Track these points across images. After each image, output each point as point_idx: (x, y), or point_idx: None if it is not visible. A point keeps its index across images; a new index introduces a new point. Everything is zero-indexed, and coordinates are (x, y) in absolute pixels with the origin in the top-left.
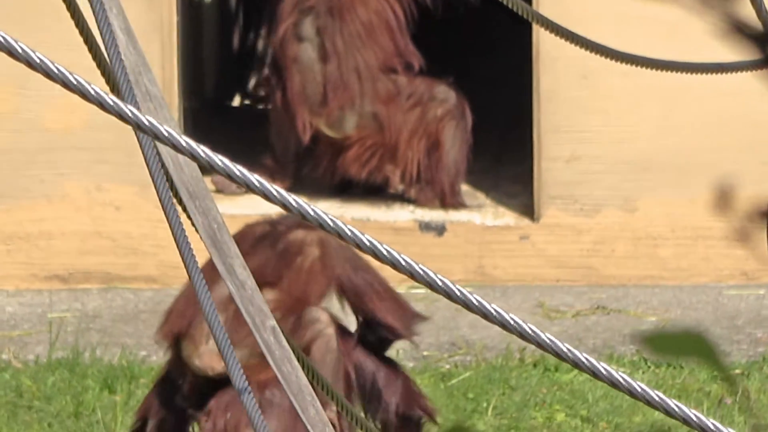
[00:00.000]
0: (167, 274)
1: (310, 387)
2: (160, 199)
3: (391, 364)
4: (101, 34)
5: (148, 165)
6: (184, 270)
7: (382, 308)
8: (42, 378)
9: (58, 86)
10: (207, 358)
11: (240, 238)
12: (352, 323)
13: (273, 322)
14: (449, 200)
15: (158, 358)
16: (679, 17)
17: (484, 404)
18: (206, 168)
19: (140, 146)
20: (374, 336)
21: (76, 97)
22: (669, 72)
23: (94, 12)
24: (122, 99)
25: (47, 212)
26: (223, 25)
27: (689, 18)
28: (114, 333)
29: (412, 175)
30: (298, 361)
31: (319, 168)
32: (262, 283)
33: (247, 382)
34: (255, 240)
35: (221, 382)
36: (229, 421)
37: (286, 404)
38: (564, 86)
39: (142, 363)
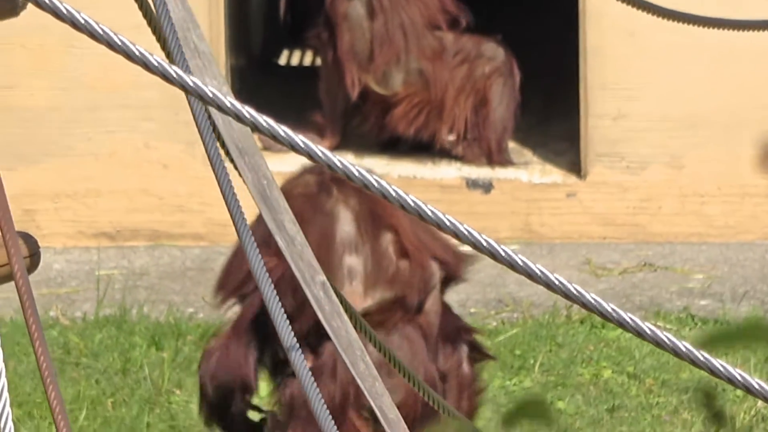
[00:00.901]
0: (214, 231)
1: (359, 341)
2: (208, 156)
3: (441, 300)
4: None
5: (196, 122)
6: (232, 227)
7: (434, 246)
8: (89, 335)
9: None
10: (351, 298)
11: (304, 187)
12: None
13: (323, 277)
14: (496, 157)
15: (205, 315)
16: None
17: (531, 361)
18: (251, 129)
19: (189, 103)
20: None
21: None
22: (716, 29)
23: None
24: (170, 55)
25: (95, 170)
26: None
27: None
28: (161, 290)
29: (460, 132)
30: (348, 315)
31: (367, 124)
32: (378, 221)
33: (295, 339)
34: (318, 186)
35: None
36: (343, 380)
37: (421, 345)
38: (611, 43)
39: (189, 320)
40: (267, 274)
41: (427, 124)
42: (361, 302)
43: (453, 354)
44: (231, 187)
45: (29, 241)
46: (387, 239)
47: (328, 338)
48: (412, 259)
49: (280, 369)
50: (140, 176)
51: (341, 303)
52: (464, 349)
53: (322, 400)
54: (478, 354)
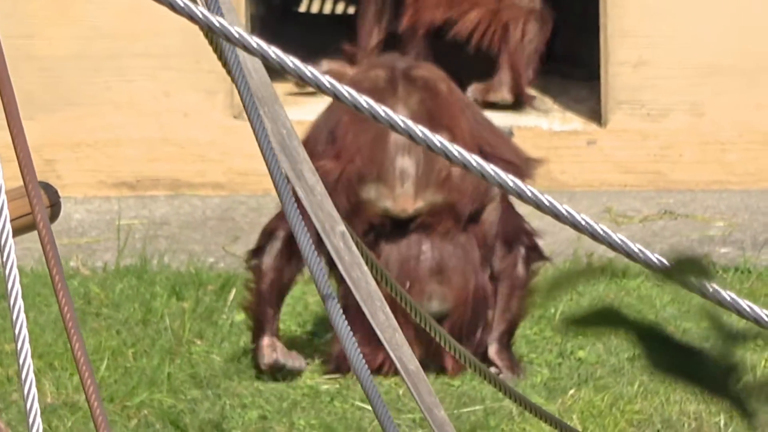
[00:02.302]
0: (234, 180)
1: (379, 292)
2: (244, 104)
3: (503, 197)
4: None
5: (229, 66)
6: (253, 177)
7: (501, 147)
8: (110, 285)
9: None
10: (402, 200)
11: (371, 84)
12: None
13: (342, 228)
14: (519, 90)
15: (226, 265)
16: None
17: (552, 310)
18: (277, 69)
19: (218, 49)
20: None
21: (142, 3)
22: None
23: None
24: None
25: (114, 119)
26: None
27: None
28: (182, 240)
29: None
30: (368, 265)
31: (404, 20)
32: (433, 122)
33: (331, 288)
34: (389, 81)
35: (400, 225)
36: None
37: (457, 268)
38: None
39: (209, 270)
40: (305, 228)
41: (460, 14)
42: (412, 204)
43: (509, 255)
44: (266, 136)
45: (50, 191)
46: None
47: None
48: (440, 163)
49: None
50: (160, 125)
51: (361, 253)
52: (521, 251)
53: (360, 353)
54: (535, 256)
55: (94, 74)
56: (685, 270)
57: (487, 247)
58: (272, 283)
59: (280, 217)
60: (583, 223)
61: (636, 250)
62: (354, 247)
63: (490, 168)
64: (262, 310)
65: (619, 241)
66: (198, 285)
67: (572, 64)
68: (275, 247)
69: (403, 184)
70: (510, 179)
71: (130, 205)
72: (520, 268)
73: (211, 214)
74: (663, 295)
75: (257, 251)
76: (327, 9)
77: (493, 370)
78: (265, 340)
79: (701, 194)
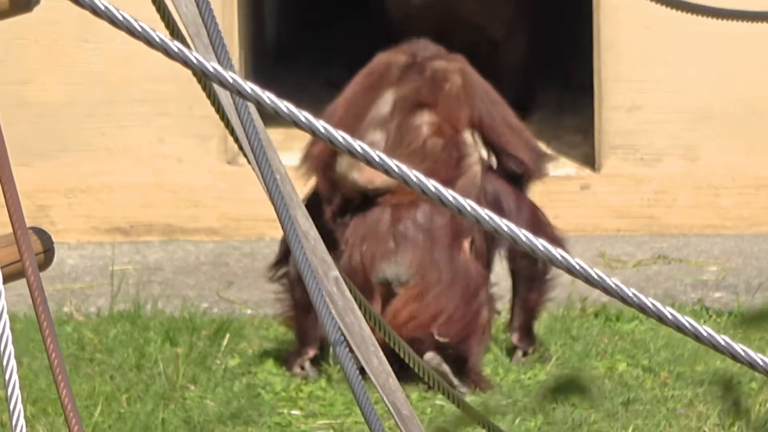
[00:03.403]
0: (228, 226)
1: (373, 337)
2: (251, 148)
3: (521, 194)
4: None
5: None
6: (246, 222)
7: (515, 143)
8: (104, 330)
9: (119, 38)
10: (367, 171)
11: (384, 68)
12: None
13: (336, 273)
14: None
15: (219, 310)
16: None
17: (547, 354)
18: (271, 114)
19: (213, 97)
20: (504, 169)
21: (137, 49)
22: (731, 21)
23: None
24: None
25: (108, 164)
26: None
27: None
28: (175, 285)
29: None
30: (361, 310)
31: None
32: (418, 104)
33: (341, 335)
34: (402, 68)
35: (372, 200)
36: (365, 254)
37: (420, 239)
38: (625, 35)
39: (203, 315)
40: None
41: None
42: (376, 177)
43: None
44: (275, 180)
45: (43, 236)
46: (422, 118)
47: (363, 210)
48: (445, 138)
49: None
50: (154, 171)
51: (354, 298)
52: None
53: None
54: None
55: (88, 120)
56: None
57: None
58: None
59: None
60: (578, 267)
61: (630, 294)
62: (347, 292)
63: (484, 212)
64: (301, 316)
65: (614, 286)
66: (192, 330)
67: (565, 109)
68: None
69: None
70: (504, 223)
71: (123, 250)
72: (539, 264)
73: (205, 260)
74: (657, 339)
75: (279, 262)
76: (320, 54)
77: (518, 354)
78: (308, 351)
79: (695, 239)
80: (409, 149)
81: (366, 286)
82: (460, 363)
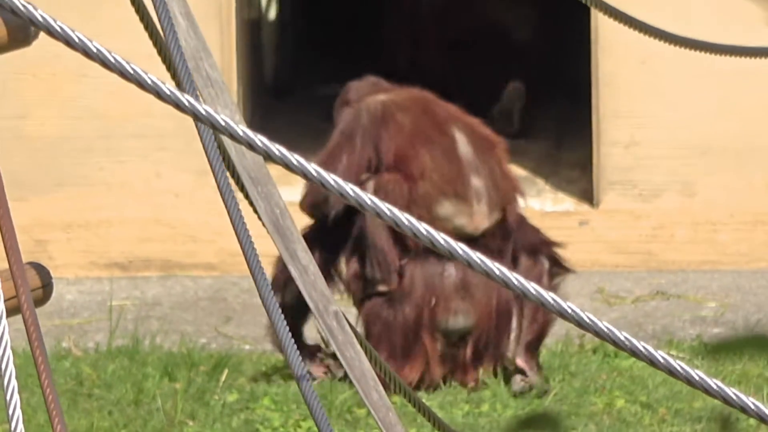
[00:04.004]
0: (226, 261)
1: (372, 371)
2: (218, 185)
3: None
4: (159, 19)
5: (206, 151)
6: (243, 257)
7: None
8: (102, 366)
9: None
10: (479, 218)
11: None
12: None
13: (335, 307)
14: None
15: (218, 345)
16: (738, 1)
17: (545, 390)
18: (264, 157)
19: (198, 132)
20: None
21: (133, 84)
22: (728, 56)
23: None
24: (180, 85)
25: (106, 200)
26: (283, 9)
27: (748, 2)
28: (173, 320)
29: None
30: (361, 345)
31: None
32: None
33: (306, 369)
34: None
35: (468, 242)
36: (427, 302)
37: (480, 284)
38: (623, 71)
39: (201, 350)
40: (280, 312)
41: None
42: (483, 222)
43: (534, 268)
44: (241, 218)
45: (41, 271)
46: (493, 161)
47: (410, 263)
48: (508, 181)
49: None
50: (152, 206)
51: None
52: (545, 263)
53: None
54: (558, 268)
55: (86, 155)
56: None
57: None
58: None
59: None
60: (570, 310)
61: (622, 338)
62: (347, 327)
63: (476, 256)
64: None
65: (605, 329)
66: (190, 365)
67: (563, 145)
68: None
69: (479, 202)
70: (496, 266)
71: (121, 285)
72: (545, 281)
73: (203, 295)
74: (655, 375)
75: (276, 283)
76: (319, 90)
77: (521, 377)
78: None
79: (693, 274)
80: (501, 196)
81: (416, 336)
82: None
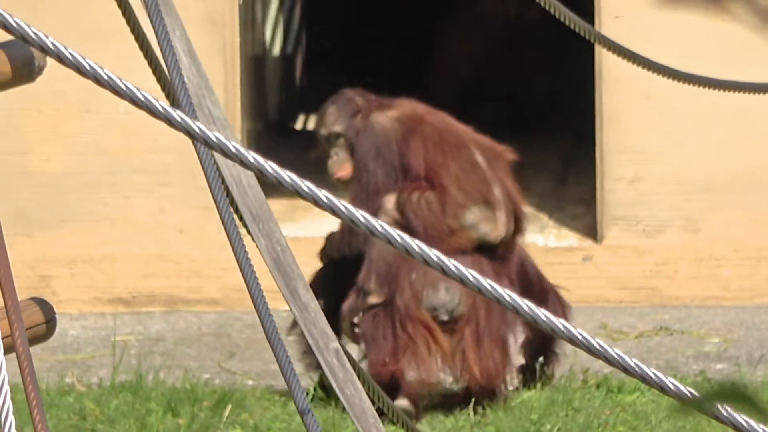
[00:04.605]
0: (230, 296)
1: (373, 409)
2: (222, 221)
3: (521, 249)
4: (164, 56)
5: (210, 186)
6: (247, 293)
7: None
8: (105, 401)
9: (121, 108)
10: (501, 226)
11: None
12: None
13: (336, 344)
14: None
15: (221, 380)
16: (740, 38)
17: (548, 426)
18: (274, 184)
19: (203, 168)
20: None
21: (139, 120)
22: (731, 92)
23: (156, 35)
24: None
25: (111, 235)
26: (286, 46)
27: (750, 39)
28: (177, 356)
29: None
30: (361, 382)
31: None
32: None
33: (308, 403)
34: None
35: (488, 248)
36: (414, 283)
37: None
38: (627, 107)
39: (205, 386)
40: (280, 337)
41: None
42: (503, 230)
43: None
44: (245, 252)
45: (45, 307)
46: (502, 172)
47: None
48: (515, 192)
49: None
50: (156, 241)
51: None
52: (549, 305)
53: None
54: (560, 307)
55: (90, 190)
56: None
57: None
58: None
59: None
60: (580, 337)
61: (632, 364)
62: (347, 364)
63: (487, 282)
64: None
65: (616, 356)
66: (193, 401)
67: (567, 180)
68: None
69: (500, 210)
70: (506, 293)
71: (125, 321)
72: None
73: (207, 330)
74: (658, 411)
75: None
76: None
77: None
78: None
79: (697, 310)
80: (515, 205)
81: (411, 320)
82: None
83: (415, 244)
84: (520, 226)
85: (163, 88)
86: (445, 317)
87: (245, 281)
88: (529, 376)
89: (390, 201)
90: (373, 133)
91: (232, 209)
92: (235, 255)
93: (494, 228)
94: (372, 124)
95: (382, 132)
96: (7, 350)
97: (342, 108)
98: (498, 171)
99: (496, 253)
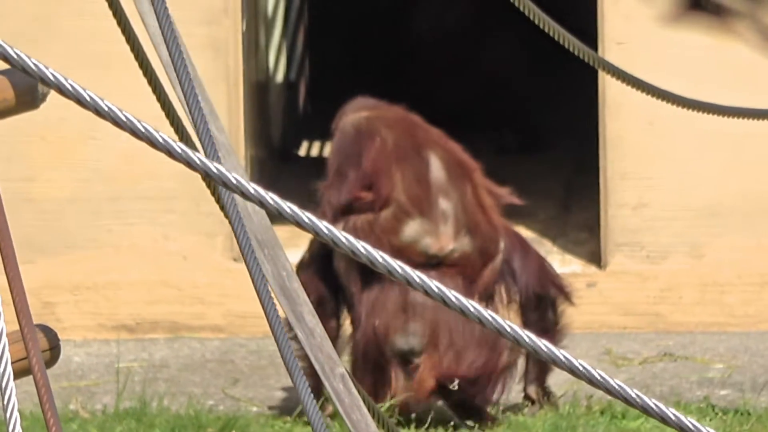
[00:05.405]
0: (234, 323)
1: None
2: (239, 245)
3: (526, 245)
4: (180, 82)
5: (226, 213)
6: (252, 319)
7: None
8: (109, 428)
9: (124, 135)
10: (445, 238)
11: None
12: None
13: (342, 369)
14: None
15: (225, 407)
16: (746, 62)
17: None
18: (275, 215)
19: (213, 194)
20: None
21: (142, 146)
22: (735, 118)
23: (162, 62)
24: (192, 146)
25: (114, 262)
26: (289, 73)
27: (756, 63)
28: (181, 382)
29: None
30: (367, 408)
31: None
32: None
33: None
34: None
35: (437, 264)
36: (378, 327)
37: (430, 305)
38: (630, 133)
39: (209, 412)
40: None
41: None
42: (449, 244)
43: (538, 306)
44: (263, 278)
45: (49, 334)
46: (467, 186)
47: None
48: (487, 215)
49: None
50: (160, 268)
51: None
52: (550, 300)
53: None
54: (561, 298)
55: (94, 217)
56: None
57: (490, 295)
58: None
59: (306, 281)
60: (581, 368)
61: (633, 395)
62: (353, 389)
63: (487, 313)
64: None
65: (617, 387)
66: (197, 428)
67: (571, 206)
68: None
69: (446, 223)
70: (507, 324)
71: (129, 348)
72: (549, 313)
73: (211, 357)
74: None
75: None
76: (327, 152)
77: (532, 406)
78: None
79: (701, 336)
80: (474, 222)
81: (381, 356)
82: (472, 406)
83: (379, 255)
84: (484, 242)
85: (168, 116)
86: (409, 359)
87: (263, 307)
88: (530, 401)
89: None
90: (338, 137)
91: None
92: (253, 281)
93: (435, 241)
94: (340, 128)
95: (346, 132)
96: (17, 375)
97: (345, 111)
98: (460, 185)
99: (453, 269)
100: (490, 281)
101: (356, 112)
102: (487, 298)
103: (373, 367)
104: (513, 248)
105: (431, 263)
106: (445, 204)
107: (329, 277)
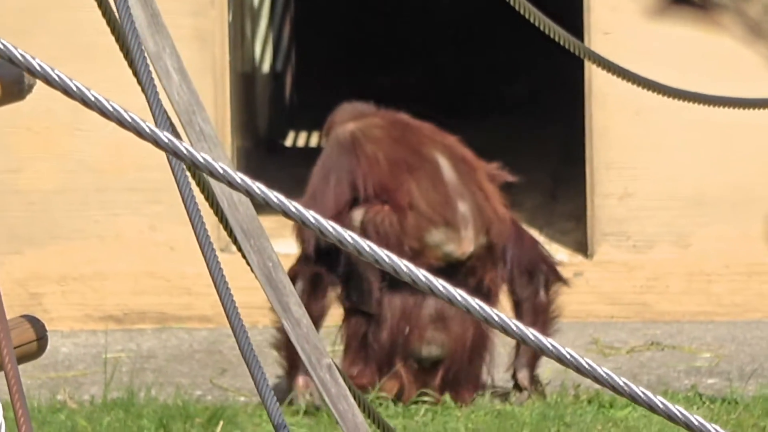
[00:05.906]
0: (221, 313)
1: (366, 425)
2: (198, 239)
3: (519, 227)
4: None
5: (185, 204)
6: (240, 309)
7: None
8: (97, 418)
9: (110, 126)
10: (466, 243)
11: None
12: None
13: (329, 360)
14: None
15: (213, 397)
16: (731, 53)
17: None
18: (261, 204)
19: (196, 181)
20: None
21: (129, 137)
22: (721, 107)
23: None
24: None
25: (101, 253)
26: (275, 63)
27: (741, 53)
28: (169, 373)
29: None
30: (354, 398)
31: None
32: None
33: (283, 418)
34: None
35: (455, 266)
36: (404, 331)
37: (454, 315)
38: (616, 123)
39: (197, 402)
40: (256, 357)
41: None
42: (470, 247)
43: (530, 283)
44: (220, 270)
45: (36, 324)
46: (474, 184)
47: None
48: (490, 203)
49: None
50: (147, 259)
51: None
52: (541, 277)
53: None
54: (554, 280)
55: (81, 208)
56: None
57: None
58: None
59: (301, 261)
60: (568, 356)
61: (621, 383)
62: (340, 380)
63: (475, 302)
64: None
65: (605, 375)
66: (185, 418)
67: (557, 196)
68: (299, 287)
69: (467, 227)
70: (495, 313)
71: (116, 338)
72: (542, 294)
73: (198, 347)
74: (651, 426)
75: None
76: (313, 142)
77: (522, 393)
78: (300, 381)
79: (688, 325)
80: (487, 220)
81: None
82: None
83: (385, 254)
84: (496, 237)
85: (152, 107)
86: (426, 366)
87: (221, 299)
88: (519, 389)
89: (358, 215)
90: (326, 150)
91: (222, 226)
92: (210, 273)
93: (458, 246)
94: (331, 138)
95: (333, 149)
96: None
97: (334, 117)
98: (469, 183)
99: (466, 267)
100: (495, 272)
101: (345, 123)
102: (490, 289)
103: (381, 361)
104: (510, 233)
105: (451, 265)
106: (463, 207)
107: (326, 256)
